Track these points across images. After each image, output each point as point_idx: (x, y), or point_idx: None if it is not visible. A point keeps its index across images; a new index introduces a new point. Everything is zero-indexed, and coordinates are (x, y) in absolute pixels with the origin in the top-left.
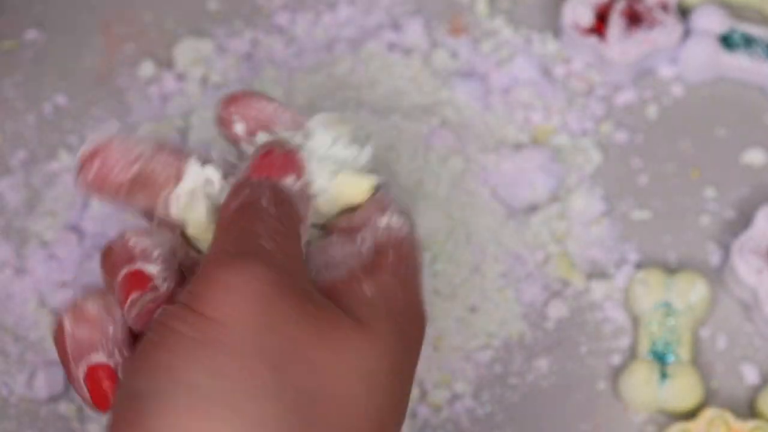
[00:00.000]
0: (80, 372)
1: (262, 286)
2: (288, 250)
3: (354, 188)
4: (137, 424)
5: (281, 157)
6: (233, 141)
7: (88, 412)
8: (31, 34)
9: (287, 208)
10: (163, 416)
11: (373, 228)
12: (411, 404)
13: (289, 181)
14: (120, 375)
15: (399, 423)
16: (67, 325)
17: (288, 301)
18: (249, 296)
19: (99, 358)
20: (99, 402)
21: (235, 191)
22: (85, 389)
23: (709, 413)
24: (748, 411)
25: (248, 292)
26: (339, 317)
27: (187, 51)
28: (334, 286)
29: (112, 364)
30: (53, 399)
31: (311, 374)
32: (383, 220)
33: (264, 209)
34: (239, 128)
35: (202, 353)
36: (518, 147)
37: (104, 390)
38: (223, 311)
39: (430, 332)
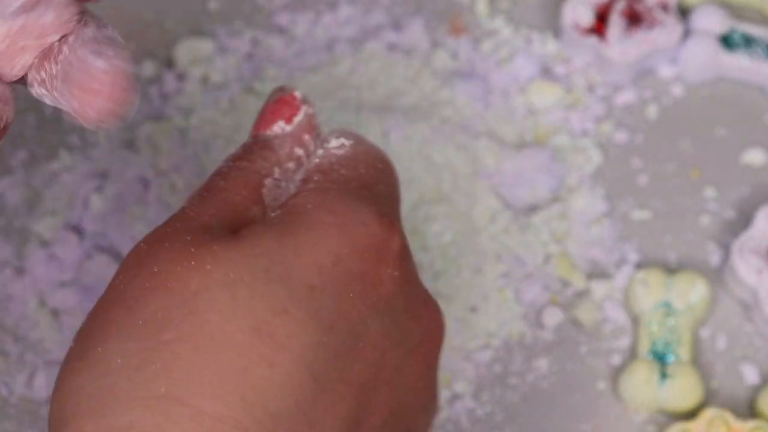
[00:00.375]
0: None
1: (147, 245)
2: (208, 203)
3: None
4: None
5: (269, 108)
6: None
7: None
8: None
9: (242, 160)
10: None
11: (309, 162)
12: None
13: (275, 128)
14: None
15: (301, 329)
16: None
17: (166, 247)
18: (131, 259)
19: None
20: None
21: None
22: None
23: (709, 413)
24: (748, 411)
25: (133, 256)
26: (211, 240)
27: (187, 51)
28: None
29: None
30: None
31: (168, 297)
32: (319, 150)
33: (218, 171)
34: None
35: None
36: (519, 147)
37: None
38: (117, 277)
39: None
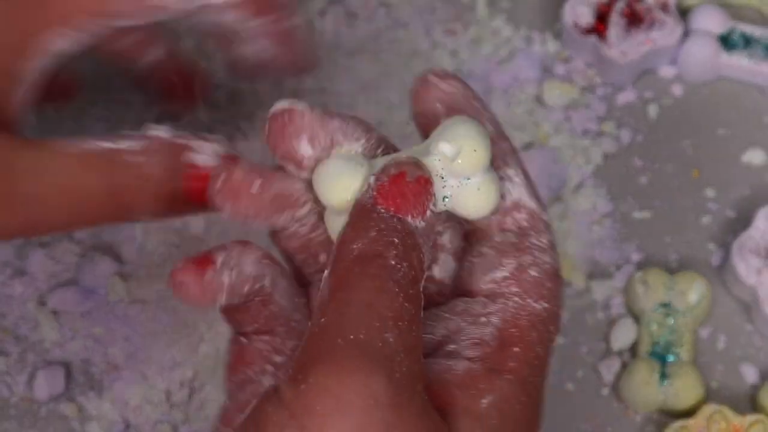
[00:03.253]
0: None
1: (381, 411)
2: (410, 341)
3: (477, 202)
4: None
5: (414, 186)
6: (299, 166)
7: (89, 412)
8: None
9: (415, 266)
10: None
11: (504, 295)
12: None
13: (416, 220)
14: None
15: None
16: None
17: (403, 426)
18: (364, 422)
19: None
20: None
21: (360, 218)
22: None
23: (708, 409)
24: (748, 409)
25: (364, 417)
26: None
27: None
28: (448, 385)
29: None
30: (53, 399)
31: None
32: (517, 284)
33: (393, 270)
34: (305, 150)
35: None
36: (520, 148)
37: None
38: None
39: None
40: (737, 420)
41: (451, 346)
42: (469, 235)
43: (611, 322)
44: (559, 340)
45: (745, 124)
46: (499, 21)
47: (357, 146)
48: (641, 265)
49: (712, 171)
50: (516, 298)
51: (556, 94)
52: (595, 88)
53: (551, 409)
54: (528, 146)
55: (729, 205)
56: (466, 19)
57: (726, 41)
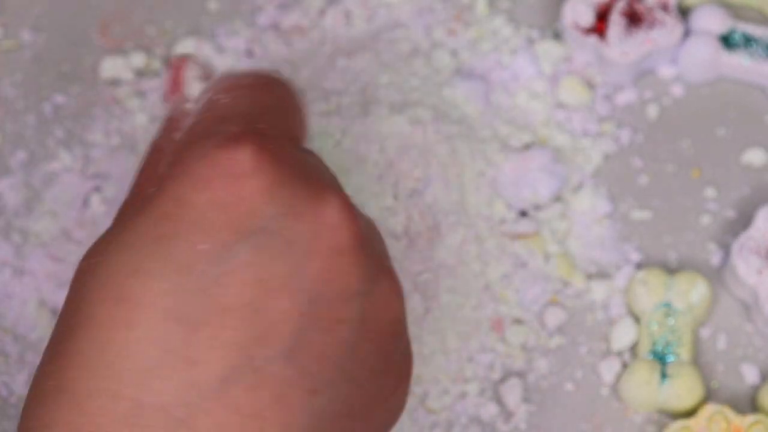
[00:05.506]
0: None
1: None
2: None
3: None
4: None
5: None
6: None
7: None
8: (31, 34)
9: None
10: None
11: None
12: (411, 405)
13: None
14: None
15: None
16: None
17: (286, 168)
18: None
19: None
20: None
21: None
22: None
23: (708, 409)
24: (749, 410)
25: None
26: (330, 187)
27: (187, 51)
28: None
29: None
30: None
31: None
32: None
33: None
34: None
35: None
36: (520, 147)
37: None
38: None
39: (430, 333)
40: (738, 420)
41: None
42: None
43: (611, 322)
44: (559, 340)
45: (746, 124)
46: (499, 21)
47: None
48: (641, 265)
49: (712, 171)
50: None
51: (556, 93)
52: (595, 88)
53: (551, 409)
54: (528, 146)
55: (729, 205)
56: (466, 19)
57: (727, 41)
